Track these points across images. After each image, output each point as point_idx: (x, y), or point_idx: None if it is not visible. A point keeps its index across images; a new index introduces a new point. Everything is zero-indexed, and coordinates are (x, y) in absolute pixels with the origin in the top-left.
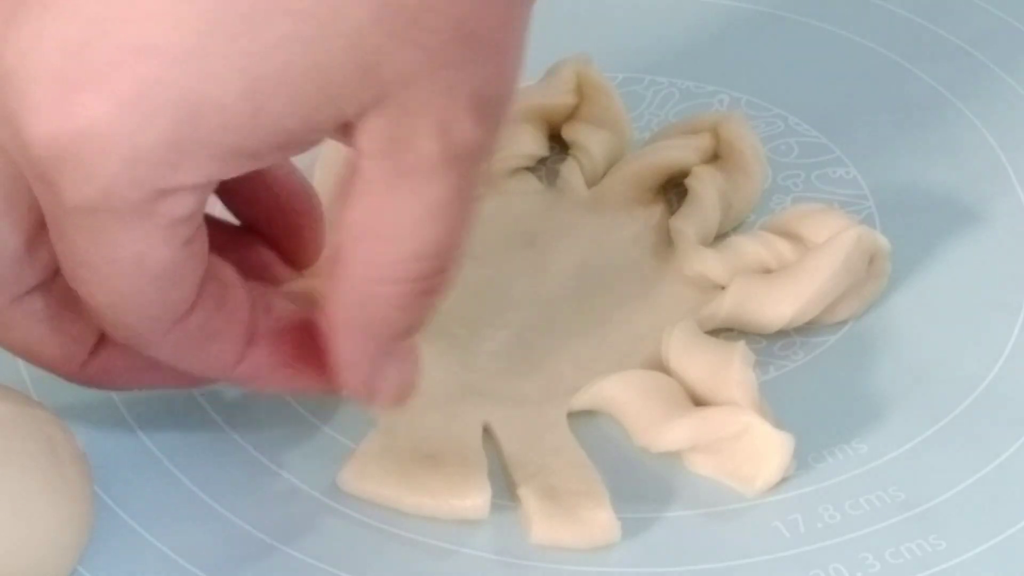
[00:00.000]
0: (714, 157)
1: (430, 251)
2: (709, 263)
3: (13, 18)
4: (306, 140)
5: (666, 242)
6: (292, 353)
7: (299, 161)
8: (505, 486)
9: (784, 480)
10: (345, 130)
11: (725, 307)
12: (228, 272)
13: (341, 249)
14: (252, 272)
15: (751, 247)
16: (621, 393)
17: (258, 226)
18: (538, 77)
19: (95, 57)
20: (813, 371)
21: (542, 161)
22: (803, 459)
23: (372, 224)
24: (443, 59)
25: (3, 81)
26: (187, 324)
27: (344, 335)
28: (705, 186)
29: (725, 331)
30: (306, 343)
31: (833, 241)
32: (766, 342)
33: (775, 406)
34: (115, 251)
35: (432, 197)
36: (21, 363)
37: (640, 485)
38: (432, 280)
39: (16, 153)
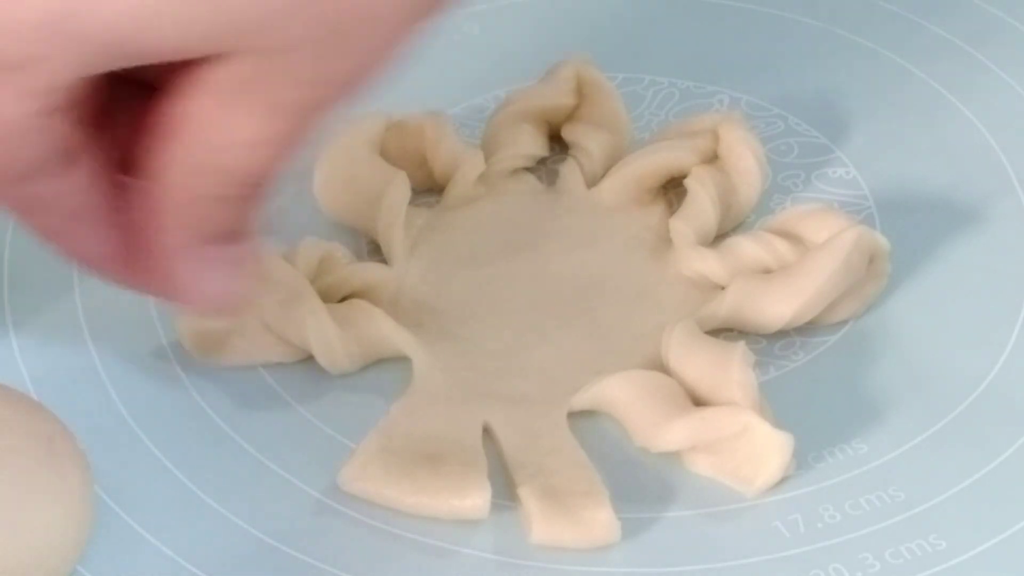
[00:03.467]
0: (714, 157)
1: (254, 172)
2: (709, 263)
3: None
4: (172, 55)
5: (666, 242)
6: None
7: (299, 162)
8: (505, 486)
9: (784, 480)
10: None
11: (725, 307)
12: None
13: (167, 143)
14: None
15: (751, 247)
16: (621, 393)
17: None
18: (538, 77)
19: None
20: (813, 371)
21: (542, 161)
22: (803, 459)
23: (212, 121)
24: (338, 29)
25: None
26: (31, 187)
27: (164, 218)
28: (704, 187)
29: (725, 331)
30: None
31: (833, 241)
32: (766, 342)
33: (775, 406)
34: None
35: (272, 130)
36: (21, 363)
37: (640, 485)
38: (252, 190)
39: None
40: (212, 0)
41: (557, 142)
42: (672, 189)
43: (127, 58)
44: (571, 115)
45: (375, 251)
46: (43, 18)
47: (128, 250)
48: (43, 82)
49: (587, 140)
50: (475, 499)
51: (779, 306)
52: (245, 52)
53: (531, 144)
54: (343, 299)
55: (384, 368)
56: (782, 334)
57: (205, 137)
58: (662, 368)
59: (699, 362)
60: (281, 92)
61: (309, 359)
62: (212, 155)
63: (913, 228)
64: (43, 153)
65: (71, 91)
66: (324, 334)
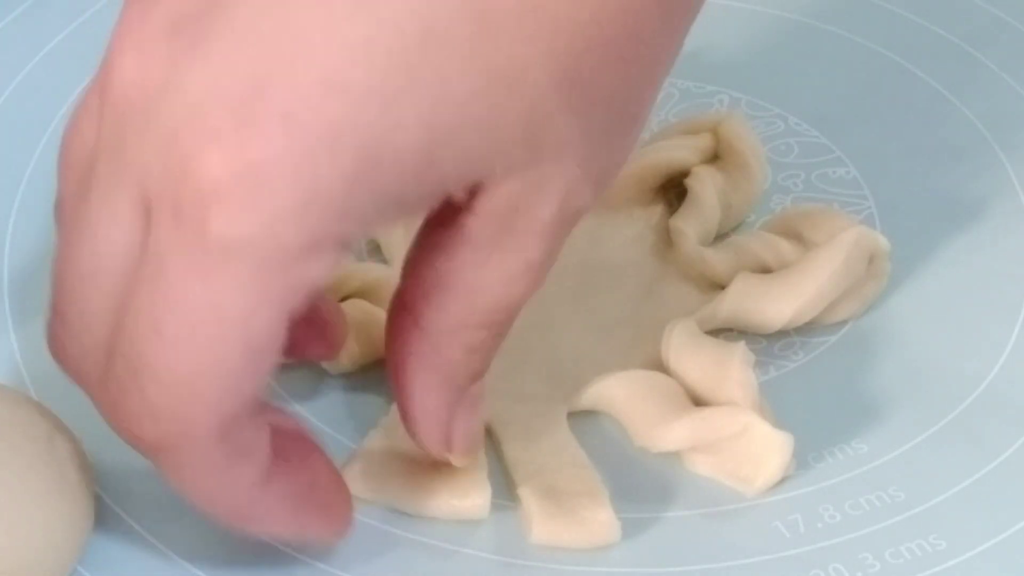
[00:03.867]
0: (714, 157)
1: (514, 304)
2: (709, 263)
3: (194, 48)
4: (447, 195)
5: (666, 242)
6: (306, 488)
7: None
8: (505, 486)
9: (784, 480)
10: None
11: (725, 307)
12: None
13: (414, 299)
14: None
15: (751, 247)
16: (621, 393)
17: None
18: None
19: (282, 90)
20: (813, 371)
21: None
22: (803, 459)
23: (461, 277)
24: (593, 131)
25: (180, 109)
26: (236, 430)
27: (418, 384)
28: (705, 186)
29: (725, 331)
30: (316, 477)
31: (833, 241)
32: (766, 342)
33: (775, 406)
34: (225, 302)
35: (533, 256)
36: (21, 363)
37: (640, 485)
38: (505, 325)
39: (157, 185)
40: (479, 126)
41: None
42: (672, 188)
43: (403, 208)
44: None
45: (375, 251)
46: (349, 182)
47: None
48: (319, 270)
49: None
50: (475, 499)
51: (779, 306)
52: (506, 177)
53: None
54: (343, 299)
55: (384, 368)
56: (782, 334)
57: (475, 285)
58: (662, 368)
59: (699, 362)
60: (544, 211)
61: (309, 360)
62: (482, 301)
63: (913, 228)
64: (264, 377)
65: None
66: None
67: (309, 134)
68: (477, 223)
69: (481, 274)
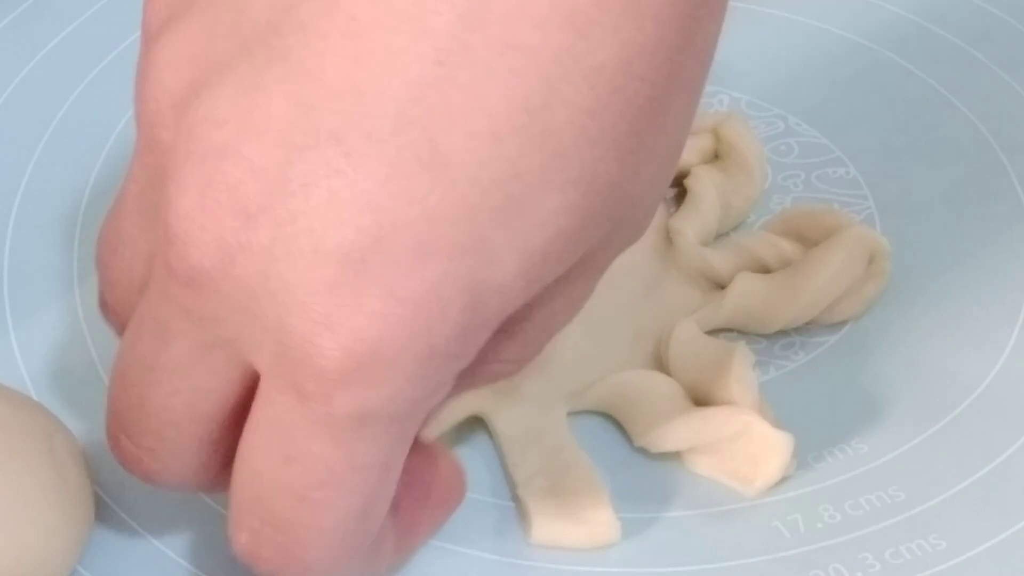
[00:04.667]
0: (714, 157)
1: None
2: (709, 263)
3: (256, 221)
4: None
5: (666, 242)
6: (422, 499)
7: None
8: (505, 486)
9: (784, 480)
10: None
11: (725, 307)
12: None
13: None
14: None
15: (751, 247)
16: (621, 393)
17: None
18: None
19: (377, 262)
20: (813, 371)
21: None
22: (803, 459)
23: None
24: (664, 180)
25: (272, 296)
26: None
27: None
28: (705, 186)
29: (725, 331)
30: (430, 479)
31: (833, 241)
32: (766, 342)
33: (775, 406)
34: (368, 458)
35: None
36: (21, 363)
37: (640, 485)
38: None
39: (270, 360)
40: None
41: None
42: (673, 189)
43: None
44: None
45: None
46: (461, 329)
47: None
48: (441, 396)
49: None
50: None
51: (779, 306)
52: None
53: None
54: None
55: None
56: (782, 334)
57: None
58: (662, 368)
59: (699, 362)
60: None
61: None
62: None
63: (913, 228)
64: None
65: None
66: None
67: (415, 302)
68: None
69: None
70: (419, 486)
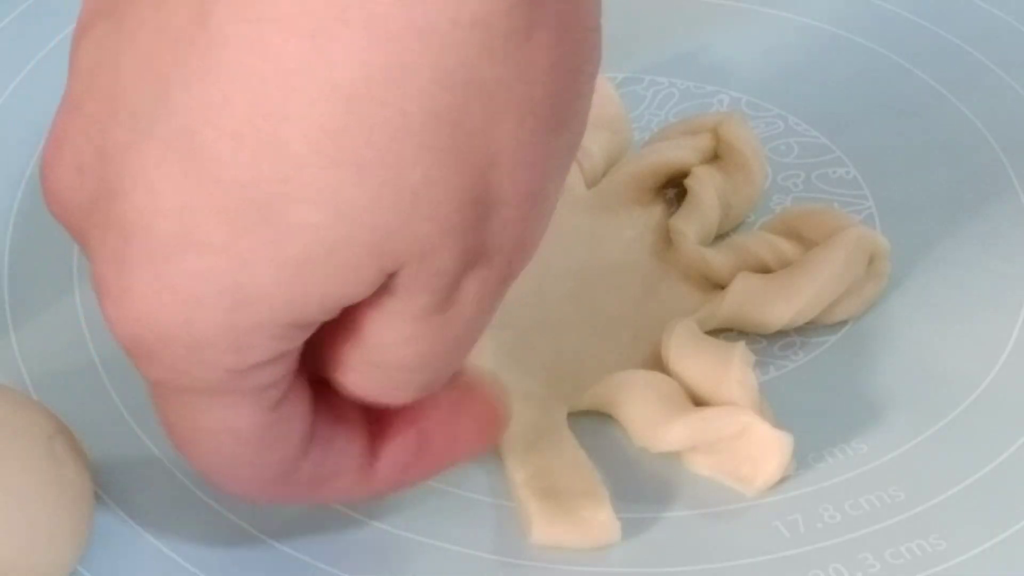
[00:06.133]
0: (714, 157)
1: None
2: (709, 263)
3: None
4: (355, 297)
5: (666, 242)
6: (417, 445)
7: None
8: (505, 486)
9: (784, 480)
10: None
11: (725, 307)
12: (337, 404)
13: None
14: None
15: (751, 247)
16: (621, 393)
17: None
18: None
19: (146, 245)
20: (813, 371)
21: None
22: (803, 459)
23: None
24: (452, 225)
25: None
26: (297, 477)
27: None
28: (705, 186)
29: (725, 331)
30: (427, 427)
31: (833, 241)
32: (766, 342)
33: (775, 406)
34: (204, 421)
35: (413, 335)
36: (21, 363)
37: (640, 485)
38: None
39: None
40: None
41: None
42: (672, 189)
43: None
44: None
45: None
46: (226, 325)
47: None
48: (264, 378)
49: (587, 140)
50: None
51: (779, 306)
52: (399, 266)
53: None
54: None
55: None
56: (782, 334)
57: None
58: (662, 368)
59: (699, 362)
60: (428, 296)
61: None
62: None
63: (913, 228)
64: (298, 441)
65: (290, 371)
66: None
67: (176, 289)
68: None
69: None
70: (447, 413)
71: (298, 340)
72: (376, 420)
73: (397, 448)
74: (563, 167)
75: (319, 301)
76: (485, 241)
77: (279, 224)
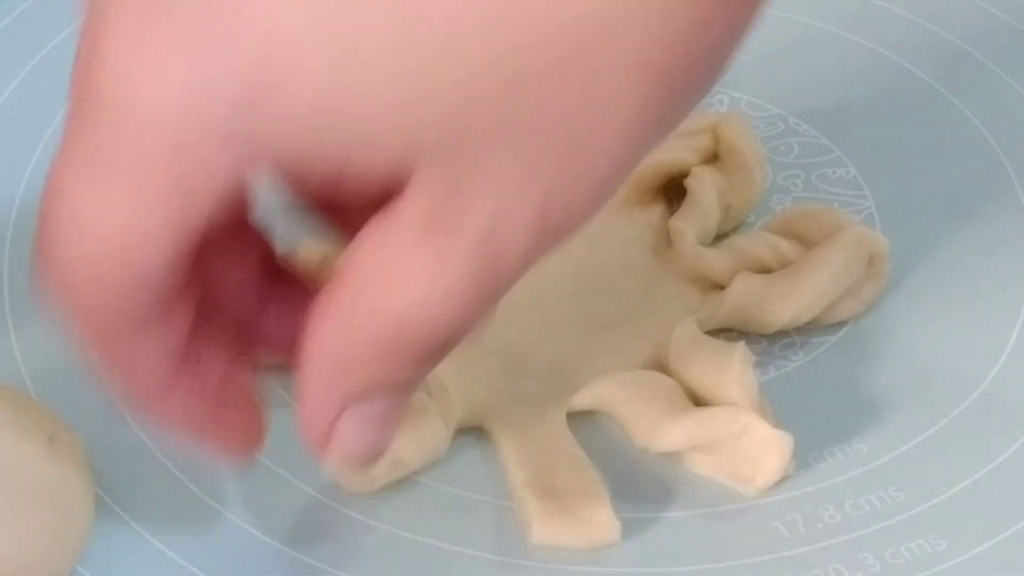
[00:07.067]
0: (714, 157)
1: (420, 327)
2: (709, 263)
3: None
4: (364, 167)
5: (666, 242)
6: (210, 409)
7: None
8: (505, 486)
9: (784, 480)
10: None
11: (725, 307)
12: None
13: (342, 278)
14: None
15: (751, 247)
16: (621, 393)
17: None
18: None
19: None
20: (813, 371)
21: None
22: (803, 459)
23: (383, 269)
24: (536, 151)
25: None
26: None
27: (311, 369)
28: (704, 186)
29: (725, 331)
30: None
31: (833, 241)
32: (766, 342)
33: (775, 406)
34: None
35: (451, 281)
36: (21, 363)
37: (640, 485)
38: (415, 353)
39: None
40: (388, 93)
41: None
42: (672, 189)
43: (302, 162)
44: None
45: None
46: (242, 90)
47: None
48: (202, 178)
49: None
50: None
51: (779, 306)
52: (426, 173)
53: None
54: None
55: None
56: (782, 334)
57: (386, 288)
58: (662, 368)
59: (699, 362)
60: (468, 230)
61: None
62: (391, 309)
63: (913, 228)
64: (164, 271)
65: (217, 204)
66: None
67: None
68: (407, 206)
69: (398, 272)
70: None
71: (295, 164)
72: None
73: (200, 378)
74: None
75: (347, 134)
76: (550, 201)
77: (342, 35)
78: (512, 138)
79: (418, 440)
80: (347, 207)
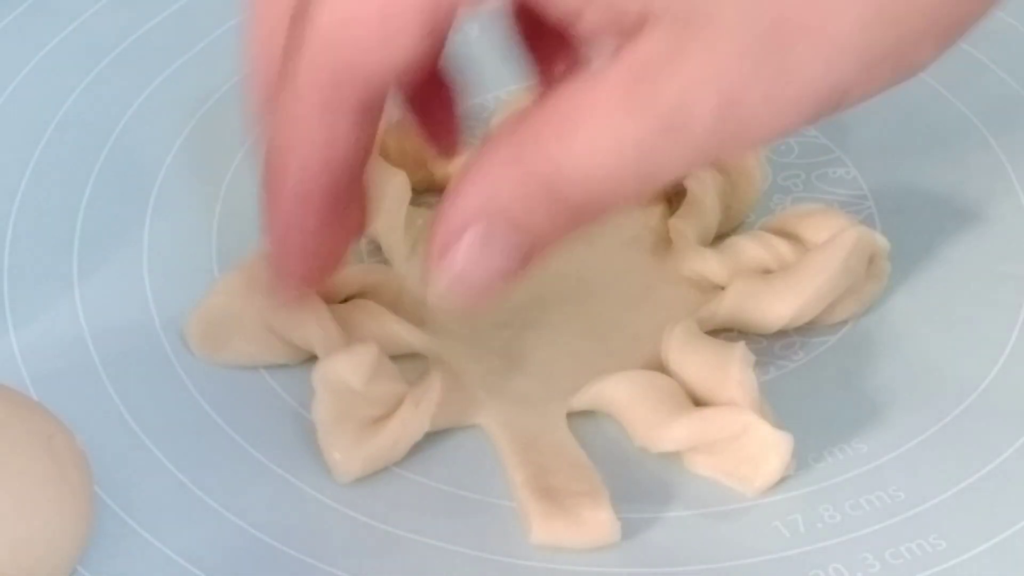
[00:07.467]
0: None
1: (584, 176)
2: (709, 263)
3: None
4: (605, 9)
5: (665, 243)
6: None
7: None
8: (505, 486)
9: (784, 480)
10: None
11: (725, 307)
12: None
13: (531, 112)
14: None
15: (751, 247)
16: (621, 393)
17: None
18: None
19: None
20: (813, 371)
21: None
22: (803, 459)
23: (577, 110)
24: (750, 27)
25: None
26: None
27: (464, 177)
28: (704, 187)
29: (725, 331)
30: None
31: (833, 241)
32: (766, 342)
33: (775, 406)
34: None
35: (636, 130)
36: (21, 363)
37: (640, 485)
38: (562, 202)
39: None
40: None
41: None
42: (672, 189)
43: None
44: None
45: (376, 252)
46: None
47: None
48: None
49: None
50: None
51: (779, 306)
52: (660, 30)
53: None
54: (344, 300)
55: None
56: (782, 334)
57: (562, 131)
58: (662, 368)
59: (699, 362)
60: (669, 93)
61: (311, 360)
62: (562, 147)
63: (913, 228)
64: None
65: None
66: (328, 336)
67: None
68: (616, 71)
69: (581, 123)
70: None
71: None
72: None
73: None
74: None
75: None
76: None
77: None
78: (738, 10)
79: (402, 425)
80: (553, 55)
